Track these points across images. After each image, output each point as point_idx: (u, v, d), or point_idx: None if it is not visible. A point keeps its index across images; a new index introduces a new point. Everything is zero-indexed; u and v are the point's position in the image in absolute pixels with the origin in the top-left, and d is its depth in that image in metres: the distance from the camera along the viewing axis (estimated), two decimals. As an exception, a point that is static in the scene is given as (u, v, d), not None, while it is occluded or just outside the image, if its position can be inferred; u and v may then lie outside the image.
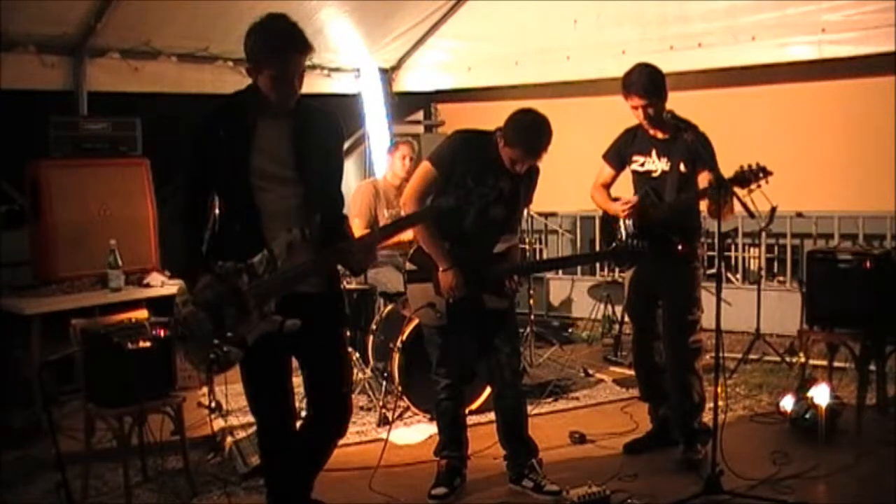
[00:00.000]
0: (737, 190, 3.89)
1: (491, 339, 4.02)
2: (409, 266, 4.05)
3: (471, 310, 3.90)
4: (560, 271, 8.13)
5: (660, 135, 4.27)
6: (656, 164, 4.27)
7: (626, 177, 4.43)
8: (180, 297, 3.11)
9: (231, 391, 5.36)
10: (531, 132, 3.80)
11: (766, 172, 3.89)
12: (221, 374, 3.12)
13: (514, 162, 3.84)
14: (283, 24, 3.06)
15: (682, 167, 4.20)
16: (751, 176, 3.88)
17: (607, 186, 4.46)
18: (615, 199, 4.42)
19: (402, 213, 3.95)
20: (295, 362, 3.32)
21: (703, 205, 4.20)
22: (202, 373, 3.08)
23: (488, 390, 4.75)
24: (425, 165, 3.92)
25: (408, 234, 4.41)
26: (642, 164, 4.31)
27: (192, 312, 3.05)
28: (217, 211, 3.18)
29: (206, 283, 3.02)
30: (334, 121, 3.30)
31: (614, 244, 4.12)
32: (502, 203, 3.87)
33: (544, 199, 3.97)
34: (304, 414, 3.43)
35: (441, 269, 3.85)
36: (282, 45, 3.02)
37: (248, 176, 3.05)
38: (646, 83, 4.13)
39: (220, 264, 3.02)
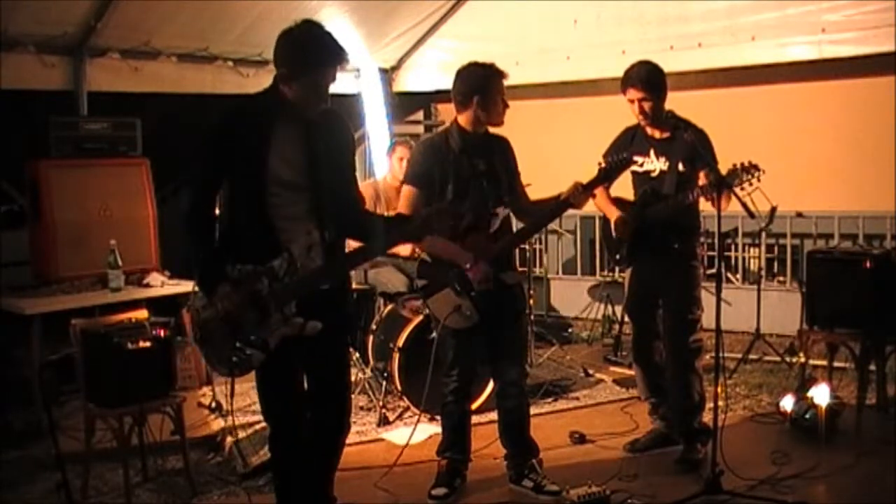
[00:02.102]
0: (735, 189, 3.89)
1: (500, 338, 4.03)
2: (420, 282, 4.04)
3: (493, 294, 3.89)
4: (560, 272, 8.15)
5: (658, 134, 4.28)
6: (655, 164, 4.28)
7: (625, 176, 4.43)
8: (199, 302, 3.10)
9: (231, 391, 5.36)
10: (485, 66, 3.87)
11: (758, 170, 3.91)
12: (242, 376, 3.11)
13: (503, 100, 3.86)
14: (324, 34, 3.05)
15: (680, 166, 4.20)
16: (742, 174, 3.90)
17: (607, 187, 4.45)
18: (615, 200, 4.42)
19: None
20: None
21: (705, 203, 4.20)
22: (224, 375, 3.12)
23: (488, 390, 4.76)
24: (405, 188, 3.96)
25: (405, 250, 4.42)
26: (641, 165, 4.32)
27: (211, 317, 3.05)
28: (226, 212, 3.19)
29: (225, 292, 3.01)
30: (345, 123, 3.32)
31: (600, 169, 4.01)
32: (488, 182, 3.91)
33: (544, 198, 3.97)
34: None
35: (466, 266, 3.83)
36: (327, 56, 3.03)
37: (265, 180, 3.05)
38: (644, 76, 4.15)
39: (237, 268, 3.03)
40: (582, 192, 3.85)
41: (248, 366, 3.04)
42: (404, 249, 4.47)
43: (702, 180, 4.14)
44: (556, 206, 3.95)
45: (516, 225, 4.27)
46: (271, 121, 3.08)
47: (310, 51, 3.02)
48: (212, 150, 3.12)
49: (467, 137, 3.91)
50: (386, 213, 5.62)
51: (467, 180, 3.87)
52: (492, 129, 4.01)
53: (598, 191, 4.36)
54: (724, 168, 3.99)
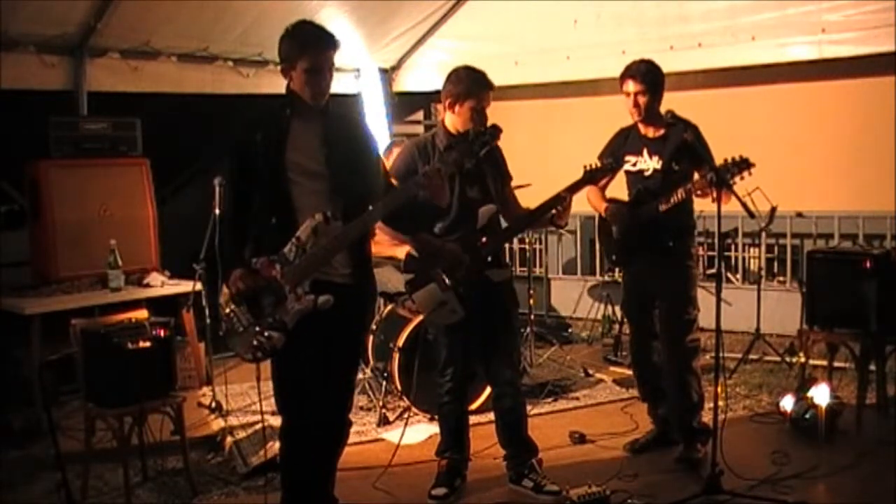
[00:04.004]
0: (734, 188, 3.90)
1: (492, 338, 4.03)
2: (406, 276, 4.05)
3: (480, 291, 3.89)
4: (561, 272, 8.15)
5: (651, 133, 4.29)
6: (648, 163, 4.29)
7: (621, 177, 4.43)
8: (223, 299, 3.27)
9: (231, 391, 5.37)
10: (471, 74, 3.91)
11: (749, 164, 3.93)
12: (266, 359, 3.26)
13: (477, 112, 3.89)
14: (313, 25, 3.31)
15: (674, 165, 4.21)
16: (733, 168, 3.92)
17: (603, 188, 4.46)
18: (609, 201, 4.42)
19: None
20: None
21: (703, 203, 4.20)
22: (249, 361, 3.31)
23: (488, 390, 4.76)
24: None
25: (403, 252, 4.42)
26: (634, 164, 4.33)
27: (232, 309, 3.24)
28: (256, 215, 3.31)
29: (237, 274, 3.19)
30: (357, 119, 3.60)
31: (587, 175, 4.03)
32: (475, 182, 3.94)
33: (544, 199, 3.97)
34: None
35: (439, 252, 3.86)
36: (313, 40, 3.26)
37: (284, 170, 3.22)
38: (643, 70, 4.20)
39: (254, 261, 3.20)
40: (564, 198, 3.88)
41: (270, 348, 3.16)
42: (402, 251, 4.45)
43: (694, 177, 4.15)
44: (535, 210, 4.00)
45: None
46: (286, 117, 3.29)
47: (297, 39, 3.26)
48: (237, 159, 3.34)
49: (453, 137, 3.94)
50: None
51: (451, 178, 3.88)
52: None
53: (592, 189, 4.36)
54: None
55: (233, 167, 3.37)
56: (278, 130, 3.26)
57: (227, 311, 3.25)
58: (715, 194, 3.93)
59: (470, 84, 3.89)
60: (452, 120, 3.95)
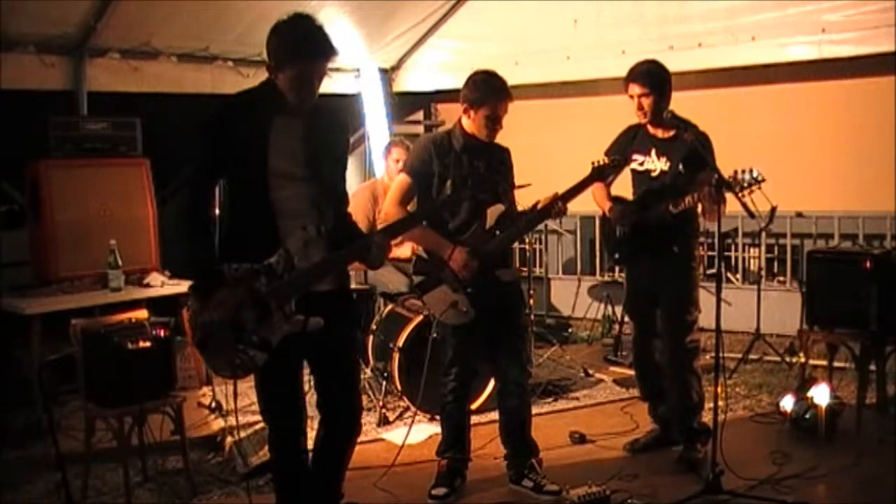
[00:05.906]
0: (736, 192, 3.89)
1: (500, 337, 4.03)
2: (417, 279, 4.04)
3: (489, 291, 3.90)
4: (561, 272, 8.15)
5: (660, 134, 4.28)
6: (655, 164, 4.28)
7: (626, 175, 4.43)
8: (196, 304, 3.01)
9: (231, 391, 5.35)
10: (489, 81, 3.91)
11: (761, 180, 3.89)
12: (246, 377, 3.06)
13: (490, 120, 3.89)
14: (310, 27, 3.02)
15: (681, 167, 4.20)
16: (743, 181, 3.89)
17: (608, 185, 4.45)
18: (614, 199, 4.42)
19: (382, 222, 3.90)
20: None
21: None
22: (227, 378, 3.04)
23: (488, 390, 4.77)
24: (401, 177, 4.00)
25: (406, 252, 4.41)
26: (641, 164, 4.32)
27: (210, 320, 2.97)
28: (224, 210, 3.14)
29: (221, 298, 2.93)
30: (343, 120, 3.33)
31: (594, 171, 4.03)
32: (486, 183, 3.92)
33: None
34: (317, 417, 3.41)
35: (447, 255, 3.86)
36: (308, 48, 2.99)
37: (264, 174, 3.01)
38: (645, 72, 4.17)
39: (234, 267, 2.97)
40: (560, 202, 3.88)
41: (251, 366, 2.99)
42: (405, 252, 4.46)
43: (704, 188, 4.12)
44: (532, 217, 4.00)
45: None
46: (268, 113, 3.04)
47: (291, 43, 2.98)
48: (208, 146, 3.05)
49: (468, 138, 3.95)
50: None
51: (466, 178, 3.89)
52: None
53: (597, 186, 4.36)
54: (724, 173, 3.97)
55: (200, 153, 3.06)
56: (258, 127, 3.00)
57: (204, 319, 2.96)
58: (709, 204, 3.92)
59: (485, 92, 3.87)
60: (468, 123, 3.95)
